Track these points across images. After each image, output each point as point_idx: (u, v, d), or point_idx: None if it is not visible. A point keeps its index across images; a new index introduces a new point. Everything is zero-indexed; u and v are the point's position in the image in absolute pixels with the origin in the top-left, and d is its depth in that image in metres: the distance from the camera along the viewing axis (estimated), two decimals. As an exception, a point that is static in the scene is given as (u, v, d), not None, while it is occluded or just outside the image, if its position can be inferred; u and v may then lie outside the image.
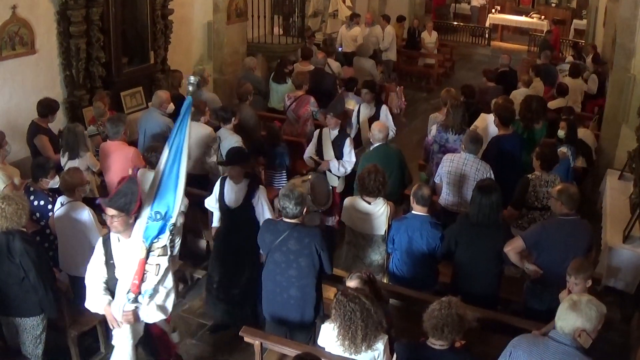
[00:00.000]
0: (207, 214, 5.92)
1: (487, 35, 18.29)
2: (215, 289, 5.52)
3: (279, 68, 9.57)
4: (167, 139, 4.00)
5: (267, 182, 7.25)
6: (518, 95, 8.34)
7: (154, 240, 3.95)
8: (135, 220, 3.97)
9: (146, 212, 3.94)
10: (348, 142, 6.78)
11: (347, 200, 5.55)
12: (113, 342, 4.20)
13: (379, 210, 5.32)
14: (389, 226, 5.31)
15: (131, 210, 3.91)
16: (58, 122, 7.02)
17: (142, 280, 3.96)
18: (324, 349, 4.02)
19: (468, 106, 7.22)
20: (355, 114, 7.69)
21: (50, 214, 5.28)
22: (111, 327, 4.14)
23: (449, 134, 6.72)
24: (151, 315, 4.13)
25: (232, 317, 5.48)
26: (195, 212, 6.10)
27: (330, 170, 6.78)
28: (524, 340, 3.45)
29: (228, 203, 5.34)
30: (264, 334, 4.65)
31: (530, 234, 4.89)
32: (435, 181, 6.29)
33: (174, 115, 6.50)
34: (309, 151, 6.95)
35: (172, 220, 3.97)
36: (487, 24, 18.79)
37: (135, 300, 4.00)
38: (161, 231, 3.96)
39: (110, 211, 3.93)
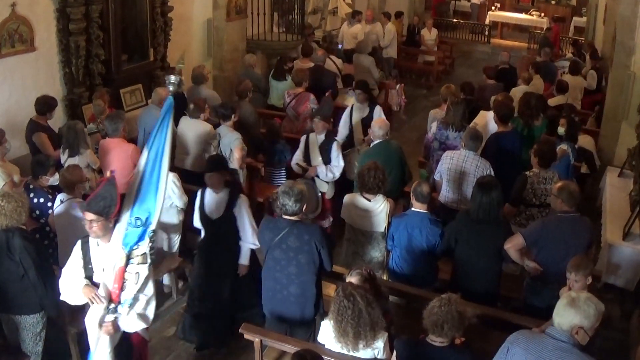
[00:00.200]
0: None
1: (486, 33, 18.24)
2: (197, 305, 5.34)
3: (279, 65, 9.57)
4: (146, 140, 3.84)
5: (267, 179, 7.27)
6: (518, 92, 8.31)
7: (134, 247, 3.82)
8: (115, 224, 3.85)
9: (126, 217, 3.83)
10: (335, 147, 6.49)
11: (347, 197, 5.55)
12: (91, 349, 4.01)
13: (378, 207, 5.32)
14: (389, 223, 5.30)
15: (110, 213, 3.79)
16: (57, 120, 7.01)
17: (121, 289, 3.84)
18: (324, 345, 4.03)
19: (467, 103, 7.21)
20: (347, 112, 7.48)
21: (50, 211, 5.28)
22: (90, 303, 3.94)
23: (449, 131, 6.71)
24: (132, 324, 3.97)
25: (208, 338, 5.33)
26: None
27: (318, 176, 6.54)
28: (522, 337, 3.44)
29: (209, 214, 5.16)
30: (264, 331, 4.65)
31: (530, 231, 4.88)
32: (435, 178, 6.28)
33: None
34: (296, 158, 6.66)
35: (152, 227, 3.84)
36: (487, 21, 18.74)
37: (115, 310, 3.88)
38: (141, 238, 3.82)
39: (89, 215, 3.79)
